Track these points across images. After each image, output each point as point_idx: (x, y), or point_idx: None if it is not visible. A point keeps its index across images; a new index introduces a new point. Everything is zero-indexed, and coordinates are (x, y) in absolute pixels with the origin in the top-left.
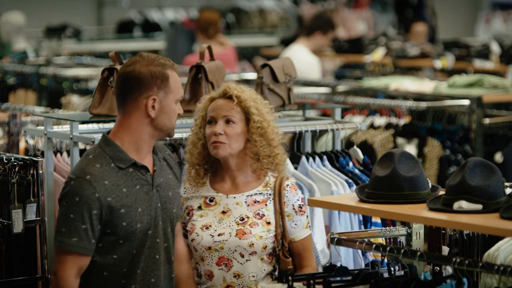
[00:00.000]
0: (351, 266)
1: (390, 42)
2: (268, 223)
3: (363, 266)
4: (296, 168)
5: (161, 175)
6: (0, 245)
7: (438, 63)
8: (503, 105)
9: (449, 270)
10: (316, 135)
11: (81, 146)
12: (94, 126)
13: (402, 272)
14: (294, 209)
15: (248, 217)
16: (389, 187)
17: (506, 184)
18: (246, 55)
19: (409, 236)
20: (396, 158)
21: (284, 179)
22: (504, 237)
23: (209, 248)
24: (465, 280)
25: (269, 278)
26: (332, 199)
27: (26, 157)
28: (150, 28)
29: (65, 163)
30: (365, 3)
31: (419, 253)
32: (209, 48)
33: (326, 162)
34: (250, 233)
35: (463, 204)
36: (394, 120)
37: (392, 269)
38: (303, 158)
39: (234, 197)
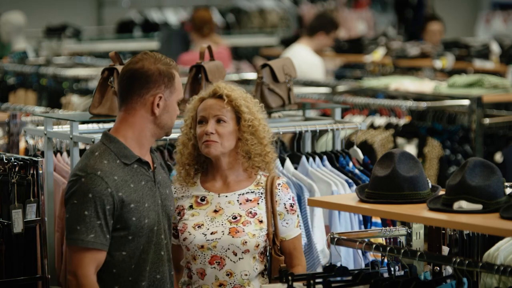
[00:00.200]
0: (351, 266)
1: (390, 42)
2: (261, 221)
3: (363, 266)
4: (296, 168)
5: (159, 172)
6: (0, 245)
7: (438, 63)
8: (503, 105)
9: (449, 270)
10: (316, 135)
11: (81, 146)
12: (94, 126)
13: (402, 272)
14: (285, 208)
15: (240, 216)
16: (389, 187)
17: (506, 184)
18: (246, 55)
19: (409, 236)
20: (396, 158)
21: (276, 178)
22: (504, 237)
23: (202, 246)
24: (465, 280)
25: (261, 277)
26: (332, 199)
27: (26, 157)
28: (150, 28)
29: (65, 163)
30: (365, 3)
31: (419, 253)
32: (209, 48)
33: (326, 162)
34: (243, 231)
35: (463, 204)
36: (394, 120)
37: (392, 269)
38: (303, 158)
39: (226, 196)
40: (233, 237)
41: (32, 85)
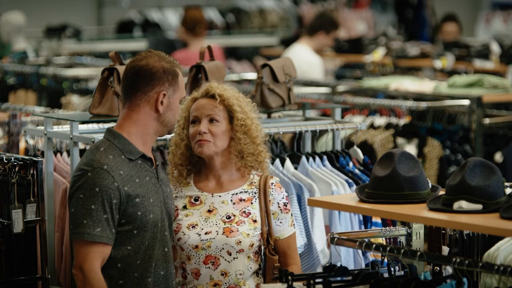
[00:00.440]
0: (351, 266)
1: (390, 42)
2: (255, 221)
3: (363, 266)
4: (296, 168)
5: (161, 170)
6: (0, 245)
7: (438, 63)
8: (503, 105)
9: (449, 270)
10: (316, 135)
11: (81, 146)
12: (94, 126)
13: (402, 272)
14: (279, 207)
15: (234, 215)
16: (389, 187)
17: (506, 184)
18: (246, 55)
19: (409, 236)
20: (396, 158)
21: (269, 178)
22: (504, 237)
23: (196, 246)
24: (465, 280)
25: (256, 276)
26: (332, 199)
27: (26, 157)
28: (150, 28)
29: (65, 163)
30: (365, 3)
31: (419, 253)
32: (209, 48)
33: (326, 162)
34: (237, 231)
35: (463, 204)
36: (394, 120)
37: (392, 269)
38: (303, 158)
39: (220, 196)
40: (227, 236)
41: (32, 85)
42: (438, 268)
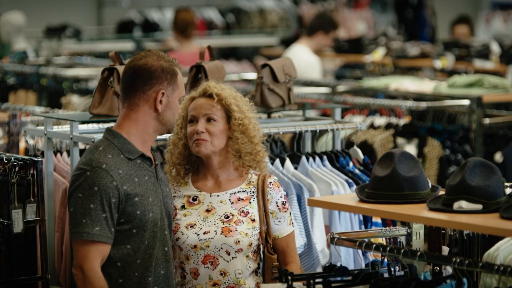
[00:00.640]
0: (351, 266)
1: (390, 42)
2: (253, 220)
3: (363, 266)
4: (296, 168)
5: (160, 170)
6: (0, 245)
7: (438, 63)
8: (503, 105)
9: (449, 270)
10: (316, 135)
11: (81, 146)
12: (94, 126)
13: (402, 272)
14: (277, 206)
15: (233, 215)
16: (389, 187)
17: (506, 184)
18: (246, 55)
19: (409, 236)
20: (396, 158)
21: (267, 177)
22: (504, 237)
23: (195, 246)
24: (465, 280)
25: (255, 275)
26: (332, 199)
27: (26, 157)
28: (150, 28)
29: (65, 163)
30: (365, 3)
31: (419, 253)
32: (209, 48)
33: (326, 162)
34: (236, 230)
35: (463, 204)
36: (394, 120)
37: (392, 269)
38: (303, 158)
39: (218, 195)
40: (225, 236)
41: (32, 85)
42: (438, 268)
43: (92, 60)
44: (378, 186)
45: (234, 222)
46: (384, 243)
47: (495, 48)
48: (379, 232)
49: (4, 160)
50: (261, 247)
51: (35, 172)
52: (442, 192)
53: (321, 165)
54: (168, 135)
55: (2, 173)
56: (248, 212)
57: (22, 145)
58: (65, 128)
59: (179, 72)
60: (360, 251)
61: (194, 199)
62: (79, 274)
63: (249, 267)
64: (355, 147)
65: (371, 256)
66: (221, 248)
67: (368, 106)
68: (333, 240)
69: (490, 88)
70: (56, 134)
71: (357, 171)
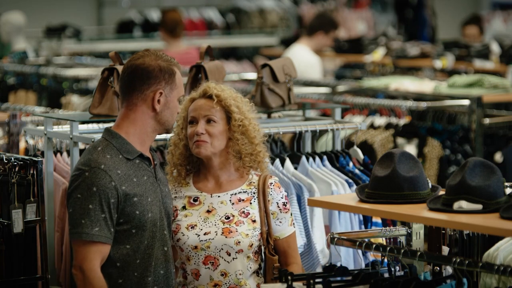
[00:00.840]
0: (351, 266)
1: (390, 42)
2: (254, 221)
3: (363, 266)
4: (296, 168)
5: (159, 170)
6: (0, 245)
7: (438, 63)
8: (503, 105)
9: (449, 270)
10: (316, 135)
11: (81, 146)
12: (94, 126)
13: (402, 272)
14: (278, 207)
15: (233, 216)
16: (389, 187)
17: (506, 184)
18: (246, 55)
19: (409, 236)
20: (396, 158)
21: (268, 178)
22: (504, 237)
23: (195, 247)
24: (465, 280)
25: (256, 276)
26: (332, 199)
27: (26, 157)
28: (150, 28)
29: (65, 163)
30: (365, 3)
31: (419, 253)
32: (209, 48)
33: (326, 162)
34: (236, 231)
35: (463, 204)
36: (394, 120)
37: (392, 269)
38: (303, 158)
39: (219, 196)
40: (226, 237)
41: (32, 85)
42: (438, 268)
43: (92, 60)
44: (378, 186)
45: (235, 223)
46: (384, 243)
47: (495, 48)
48: (379, 232)
49: (4, 160)
50: (263, 248)
51: (35, 172)
52: (442, 192)
53: (321, 165)
54: (168, 135)
55: (2, 173)
56: (249, 213)
57: (22, 145)
58: (65, 128)
59: (178, 72)
60: (360, 251)
61: (195, 200)
62: (79, 275)
63: (250, 267)
64: (355, 147)
65: (371, 256)
66: (222, 249)
67: (368, 106)
68: (333, 240)
69: (490, 88)
70: (56, 134)
71: (357, 171)
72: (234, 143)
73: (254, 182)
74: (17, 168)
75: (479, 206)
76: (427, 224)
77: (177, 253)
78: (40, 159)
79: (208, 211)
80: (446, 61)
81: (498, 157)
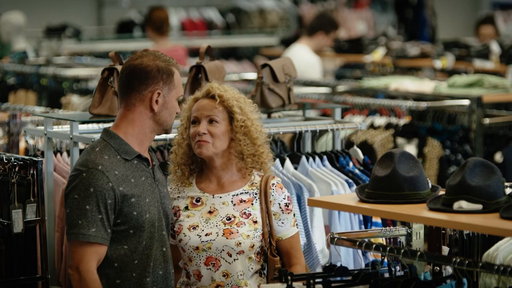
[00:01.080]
0: (351, 266)
1: (390, 42)
2: (255, 222)
3: (363, 266)
4: (296, 168)
5: (157, 170)
6: (0, 245)
7: (438, 63)
8: (503, 105)
9: (449, 270)
10: (316, 135)
11: (81, 146)
12: (94, 126)
13: (402, 272)
14: (280, 207)
15: (234, 217)
16: (389, 187)
17: (506, 184)
18: (246, 55)
19: (409, 236)
20: (396, 158)
21: (270, 178)
22: (504, 237)
23: (197, 248)
24: (465, 280)
25: (259, 277)
26: (332, 199)
27: (26, 157)
28: None
29: (65, 163)
30: (365, 3)
31: (419, 253)
32: (209, 47)
33: (326, 162)
34: (237, 232)
35: (463, 204)
36: (394, 120)
37: (392, 269)
38: (303, 158)
39: (220, 197)
40: (227, 238)
41: (32, 85)
42: (438, 268)
43: (92, 60)
44: (378, 186)
45: (236, 224)
46: (384, 243)
47: (495, 48)
48: (379, 232)
49: (4, 160)
50: (265, 248)
51: (35, 172)
52: (442, 192)
53: (321, 165)
54: (168, 135)
55: (2, 173)
56: (250, 214)
57: (22, 145)
58: (65, 128)
59: (176, 72)
60: (360, 251)
61: (197, 201)
62: (75, 275)
63: (252, 268)
64: (355, 147)
65: (371, 256)
66: (223, 250)
67: (368, 106)
68: (333, 240)
69: (490, 88)
70: (56, 134)
71: (357, 171)
72: (236, 143)
73: (256, 183)
74: (17, 168)
75: (479, 206)
76: (427, 224)
77: (179, 253)
78: (40, 159)
79: (210, 212)
80: (446, 61)
81: (498, 157)
